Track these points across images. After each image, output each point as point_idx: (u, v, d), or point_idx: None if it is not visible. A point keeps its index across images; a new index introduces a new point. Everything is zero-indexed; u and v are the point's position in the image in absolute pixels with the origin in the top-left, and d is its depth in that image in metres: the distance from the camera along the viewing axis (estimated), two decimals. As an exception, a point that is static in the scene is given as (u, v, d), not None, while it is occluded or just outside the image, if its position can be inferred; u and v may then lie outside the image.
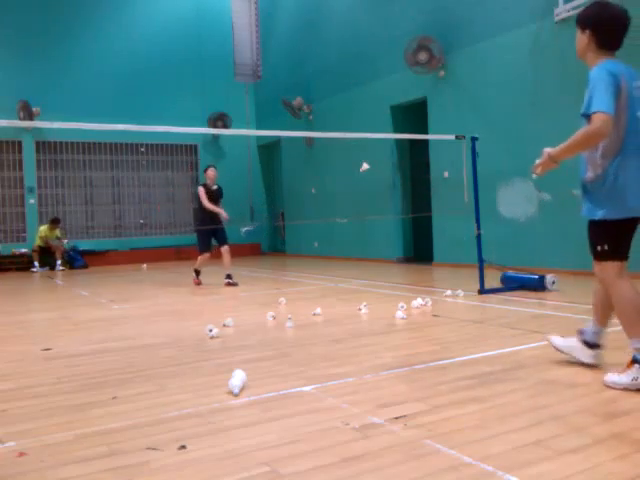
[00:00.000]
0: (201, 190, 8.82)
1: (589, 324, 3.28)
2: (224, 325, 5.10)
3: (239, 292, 7.89)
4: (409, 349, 4.06)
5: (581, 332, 3.30)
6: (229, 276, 8.66)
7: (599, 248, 2.96)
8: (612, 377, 2.95)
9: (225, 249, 8.70)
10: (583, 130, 2.83)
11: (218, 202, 8.90)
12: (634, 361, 2.87)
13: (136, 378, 3.51)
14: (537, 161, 3.04)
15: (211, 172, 8.94)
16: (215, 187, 8.92)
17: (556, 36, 8.27)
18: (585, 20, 3.03)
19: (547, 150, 2.99)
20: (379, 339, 4.41)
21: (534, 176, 3.10)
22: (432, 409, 2.72)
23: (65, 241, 13.65)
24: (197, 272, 8.88)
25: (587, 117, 2.84)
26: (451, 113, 10.00)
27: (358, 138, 10.95)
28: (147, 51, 15.41)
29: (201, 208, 8.80)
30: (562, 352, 3.38)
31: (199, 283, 8.83)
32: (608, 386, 2.93)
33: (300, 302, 6.56)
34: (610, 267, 2.93)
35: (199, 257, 8.78)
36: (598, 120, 2.76)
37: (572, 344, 3.32)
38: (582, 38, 3.05)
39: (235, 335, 4.80)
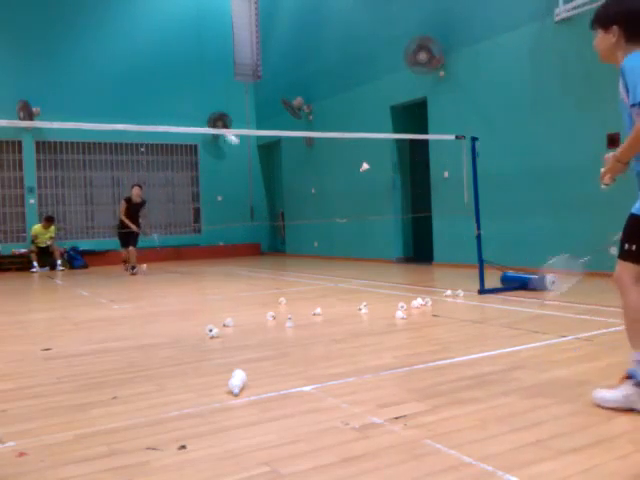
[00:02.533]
0: (122, 203, 11.39)
1: (633, 357, 2.63)
2: (224, 325, 5.10)
3: (239, 292, 7.89)
4: (409, 349, 4.06)
5: (631, 376, 2.64)
6: (133, 267, 11.13)
7: (626, 246, 2.65)
8: (602, 393, 2.69)
9: (132, 249, 11.18)
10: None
11: (139, 212, 11.38)
12: (628, 376, 2.61)
13: (136, 378, 3.51)
14: (603, 169, 2.72)
15: (135, 190, 11.38)
16: (139, 201, 11.36)
17: (556, 36, 8.28)
18: (609, 17, 2.76)
19: (611, 155, 2.68)
20: (379, 339, 4.41)
21: (603, 187, 2.74)
22: (432, 409, 2.72)
23: (52, 242, 13.53)
24: (133, 267, 11.09)
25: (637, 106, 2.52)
26: (451, 113, 10.00)
27: (358, 138, 10.95)
28: (147, 51, 15.40)
29: (125, 215, 11.21)
30: (618, 407, 2.64)
31: (134, 274, 10.94)
32: (598, 404, 2.66)
33: (300, 302, 6.55)
34: (630, 269, 2.62)
35: (124, 254, 11.41)
36: None
37: (628, 392, 2.63)
38: (606, 37, 2.77)
39: (235, 335, 4.80)
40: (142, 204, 11.50)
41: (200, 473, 2.14)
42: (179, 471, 2.16)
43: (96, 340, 4.78)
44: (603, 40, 2.79)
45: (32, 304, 7.87)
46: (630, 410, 2.57)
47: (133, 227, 11.17)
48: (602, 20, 2.79)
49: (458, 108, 9.89)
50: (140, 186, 11.71)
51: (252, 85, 17.02)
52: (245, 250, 16.45)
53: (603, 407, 2.63)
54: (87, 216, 15.16)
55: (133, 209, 11.34)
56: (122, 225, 11.24)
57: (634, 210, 2.65)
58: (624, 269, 2.64)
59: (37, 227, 13.47)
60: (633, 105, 2.51)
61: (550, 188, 8.46)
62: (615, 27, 2.71)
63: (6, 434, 2.60)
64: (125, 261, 11.52)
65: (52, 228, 13.56)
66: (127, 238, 11.24)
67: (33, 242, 13.34)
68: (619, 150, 2.62)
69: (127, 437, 2.52)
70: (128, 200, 11.38)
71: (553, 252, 8.55)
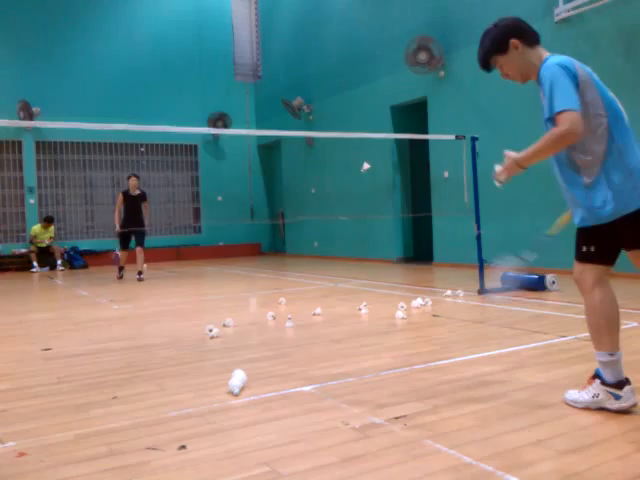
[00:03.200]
0: (118, 197, 10.35)
1: (598, 357, 2.67)
2: (224, 325, 5.10)
3: (239, 292, 7.89)
4: (409, 349, 4.06)
5: (597, 375, 2.67)
6: (140, 273, 9.99)
7: (584, 249, 2.62)
8: (572, 395, 2.71)
9: (139, 250, 10.04)
10: (550, 133, 2.47)
11: (140, 206, 10.22)
12: (595, 376, 2.63)
13: (136, 378, 3.51)
14: (498, 167, 2.69)
15: (132, 181, 10.22)
16: (137, 193, 10.24)
17: (556, 36, 8.27)
18: (502, 36, 2.67)
19: (511, 154, 2.64)
20: (379, 339, 4.40)
21: (497, 184, 2.73)
22: (432, 409, 2.72)
23: (51, 242, 13.51)
24: (120, 268, 10.22)
25: (551, 120, 2.49)
26: (451, 113, 10.00)
27: (358, 138, 10.96)
28: (147, 51, 15.41)
29: (124, 211, 10.20)
30: (587, 407, 2.67)
31: (120, 278, 10.16)
32: (568, 404, 2.69)
33: (300, 302, 6.55)
34: (591, 270, 2.61)
35: (119, 255, 10.27)
36: (567, 120, 2.41)
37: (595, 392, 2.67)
38: (512, 55, 2.67)
39: (235, 335, 4.80)
40: (142, 197, 10.27)
41: (200, 473, 2.14)
42: (179, 471, 2.16)
43: (96, 340, 4.78)
44: (511, 60, 2.70)
45: (32, 304, 7.86)
46: (601, 409, 2.59)
47: (117, 226, 10.11)
48: (497, 45, 2.70)
49: (458, 108, 9.89)
50: (137, 176, 10.41)
51: (252, 85, 17.02)
52: (245, 250, 16.45)
53: (575, 407, 2.66)
54: (87, 216, 15.16)
55: (132, 203, 10.15)
56: (123, 222, 10.09)
57: (578, 223, 2.64)
58: (585, 270, 2.63)
59: (36, 227, 13.50)
60: (547, 119, 2.50)
61: (550, 187, 8.44)
62: (513, 39, 2.66)
63: (6, 434, 2.60)
64: (121, 265, 10.24)
65: (52, 228, 13.58)
66: (127, 239, 10.15)
67: (32, 242, 13.35)
68: (522, 155, 2.57)
69: (127, 437, 2.52)
70: (125, 193, 10.23)
71: (553, 252, 8.58)
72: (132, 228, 10.02)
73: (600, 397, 2.60)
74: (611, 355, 2.57)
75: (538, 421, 2.52)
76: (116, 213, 10.29)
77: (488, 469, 2.06)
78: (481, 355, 3.76)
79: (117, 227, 10.15)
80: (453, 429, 2.45)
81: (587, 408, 2.63)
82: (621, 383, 2.57)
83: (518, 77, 2.76)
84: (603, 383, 2.60)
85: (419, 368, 3.48)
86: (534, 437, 2.33)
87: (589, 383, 2.66)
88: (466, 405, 2.76)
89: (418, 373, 3.38)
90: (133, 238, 10.18)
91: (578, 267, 2.67)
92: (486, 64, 2.77)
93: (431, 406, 2.76)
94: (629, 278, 7.00)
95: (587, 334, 4.17)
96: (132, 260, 10.32)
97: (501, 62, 2.73)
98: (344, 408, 2.79)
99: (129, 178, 10.34)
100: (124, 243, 10.20)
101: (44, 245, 13.36)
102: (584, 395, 2.65)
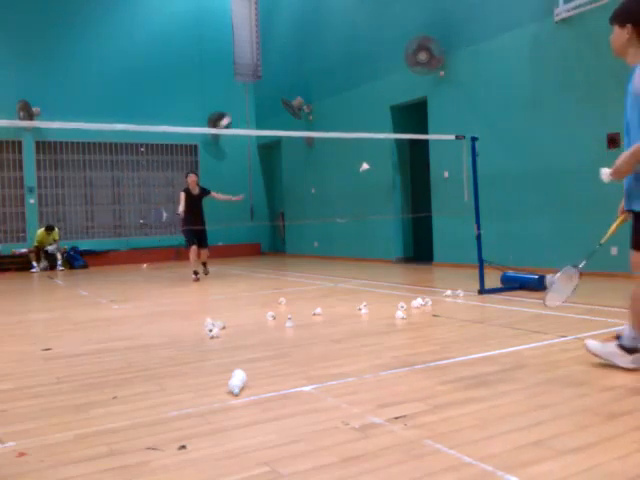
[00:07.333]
0: (182, 195, 9.73)
1: (626, 328, 3.23)
2: (223, 328, 5.09)
3: (239, 292, 7.89)
4: (409, 349, 4.06)
5: (618, 337, 3.25)
6: (204, 264, 10.04)
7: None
8: (593, 343, 3.33)
9: (204, 251, 9.91)
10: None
11: (202, 205, 9.91)
12: (616, 337, 3.24)
13: (136, 378, 3.51)
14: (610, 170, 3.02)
15: (191, 178, 9.85)
16: (197, 191, 9.84)
17: (556, 36, 8.27)
18: (626, 15, 3.01)
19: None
20: (379, 339, 4.40)
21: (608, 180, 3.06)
22: (432, 409, 2.72)
23: (56, 245, 13.51)
24: (195, 272, 9.61)
25: None
26: (451, 113, 10.00)
27: (358, 138, 10.95)
28: (147, 51, 15.41)
29: (185, 210, 9.61)
30: (599, 357, 3.33)
31: (197, 280, 9.48)
32: (588, 351, 3.35)
33: (300, 302, 6.55)
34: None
35: (190, 254, 9.70)
36: None
37: (610, 349, 3.26)
38: (621, 34, 3.02)
39: (235, 335, 4.80)
40: (203, 194, 9.91)
41: (200, 473, 2.14)
42: (179, 471, 2.16)
43: (96, 340, 4.78)
44: (618, 36, 3.04)
45: (32, 304, 7.86)
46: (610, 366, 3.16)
47: (181, 212, 9.53)
48: (619, 17, 3.04)
49: (458, 108, 9.89)
50: (196, 174, 10.10)
51: (252, 85, 17.01)
52: (245, 250, 16.44)
53: (594, 355, 3.32)
54: (87, 216, 15.16)
55: (194, 202, 9.73)
56: (184, 221, 9.68)
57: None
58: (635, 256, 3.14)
59: (40, 232, 13.37)
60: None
61: (550, 188, 8.46)
62: (629, 25, 2.97)
63: (6, 434, 2.60)
64: (196, 271, 9.63)
65: (55, 231, 13.56)
66: (192, 235, 9.65)
67: (37, 247, 13.29)
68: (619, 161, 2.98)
69: (127, 437, 2.52)
70: (186, 191, 9.77)
71: (553, 252, 8.57)
72: (196, 227, 9.71)
73: (612, 352, 3.22)
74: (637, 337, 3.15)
75: (538, 421, 2.52)
76: (180, 207, 9.60)
77: (488, 469, 2.06)
78: (481, 355, 3.76)
79: (181, 210, 9.55)
80: (453, 429, 2.45)
81: (598, 357, 3.30)
82: (633, 350, 3.18)
83: (614, 49, 3.11)
84: (620, 346, 3.20)
85: (419, 368, 3.48)
86: (534, 437, 2.33)
87: (610, 340, 3.28)
88: (466, 405, 2.76)
89: (418, 373, 3.38)
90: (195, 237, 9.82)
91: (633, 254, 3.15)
92: (610, 21, 3.12)
93: (431, 406, 2.76)
94: (629, 278, 6.98)
95: (587, 334, 4.19)
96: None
97: (615, 30, 3.08)
98: (344, 408, 2.79)
99: (187, 176, 9.98)
100: (191, 240, 9.67)
101: (47, 247, 13.33)
102: (604, 348, 3.27)
